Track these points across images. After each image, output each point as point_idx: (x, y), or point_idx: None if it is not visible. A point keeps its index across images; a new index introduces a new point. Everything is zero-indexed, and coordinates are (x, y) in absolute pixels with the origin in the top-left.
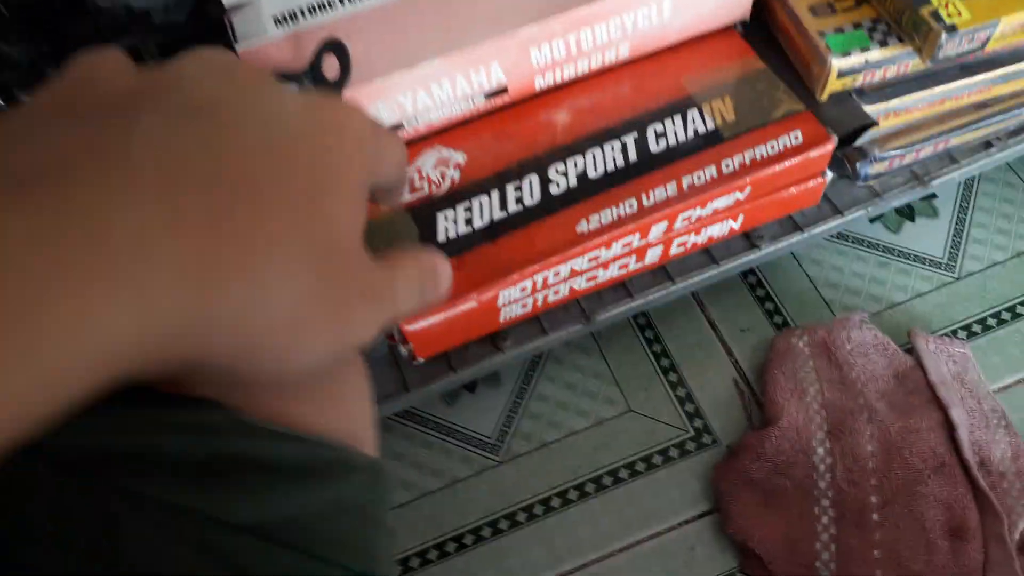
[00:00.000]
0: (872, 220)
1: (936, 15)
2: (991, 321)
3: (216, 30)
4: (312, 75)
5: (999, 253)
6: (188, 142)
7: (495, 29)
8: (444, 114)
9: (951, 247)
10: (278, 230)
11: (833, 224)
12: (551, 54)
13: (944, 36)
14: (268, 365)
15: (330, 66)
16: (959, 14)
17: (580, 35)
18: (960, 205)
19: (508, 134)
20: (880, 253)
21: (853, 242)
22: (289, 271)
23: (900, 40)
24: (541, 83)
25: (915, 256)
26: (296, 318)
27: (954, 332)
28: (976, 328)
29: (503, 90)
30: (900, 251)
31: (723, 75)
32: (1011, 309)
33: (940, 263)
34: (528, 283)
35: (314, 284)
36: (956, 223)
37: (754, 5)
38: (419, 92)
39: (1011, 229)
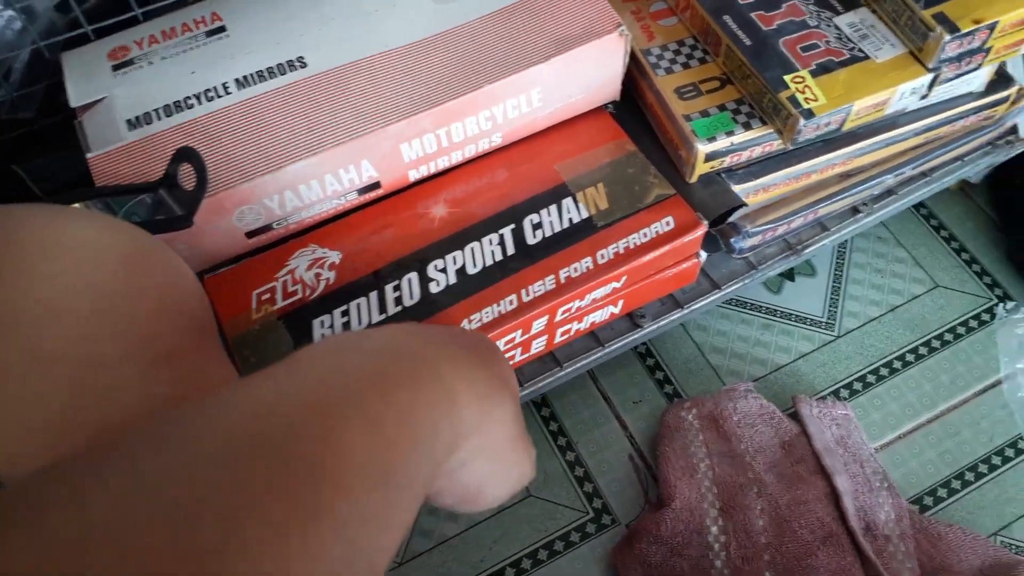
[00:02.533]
0: None
1: (794, 100)
2: (870, 378)
3: (66, 127)
4: (168, 185)
5: (874, 309)
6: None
7: (363, 127)
8: (315, 212)
9: (830, 305)
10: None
11: (712, 299)
12: (423, 148)
13: (802, 121)
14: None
15: (186, 175)
16: (815, 99)
17: (451, 129)
18: (836, 262)
19: (384, 228)
20: (763, 315)
21: (736, 305)
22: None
23: (763, 122)
24: (415, 175)
25: (796, 316)
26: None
27: (837, 392)
28: (857, 386)
29: (376, 185)
30: (782, 312)
31: (595, 159)
32: (888, 365)
33: (820, 322)
34: None
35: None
36: (833, 280)
37: (624, 80)
38: (287, 194)
39: (884, 284)
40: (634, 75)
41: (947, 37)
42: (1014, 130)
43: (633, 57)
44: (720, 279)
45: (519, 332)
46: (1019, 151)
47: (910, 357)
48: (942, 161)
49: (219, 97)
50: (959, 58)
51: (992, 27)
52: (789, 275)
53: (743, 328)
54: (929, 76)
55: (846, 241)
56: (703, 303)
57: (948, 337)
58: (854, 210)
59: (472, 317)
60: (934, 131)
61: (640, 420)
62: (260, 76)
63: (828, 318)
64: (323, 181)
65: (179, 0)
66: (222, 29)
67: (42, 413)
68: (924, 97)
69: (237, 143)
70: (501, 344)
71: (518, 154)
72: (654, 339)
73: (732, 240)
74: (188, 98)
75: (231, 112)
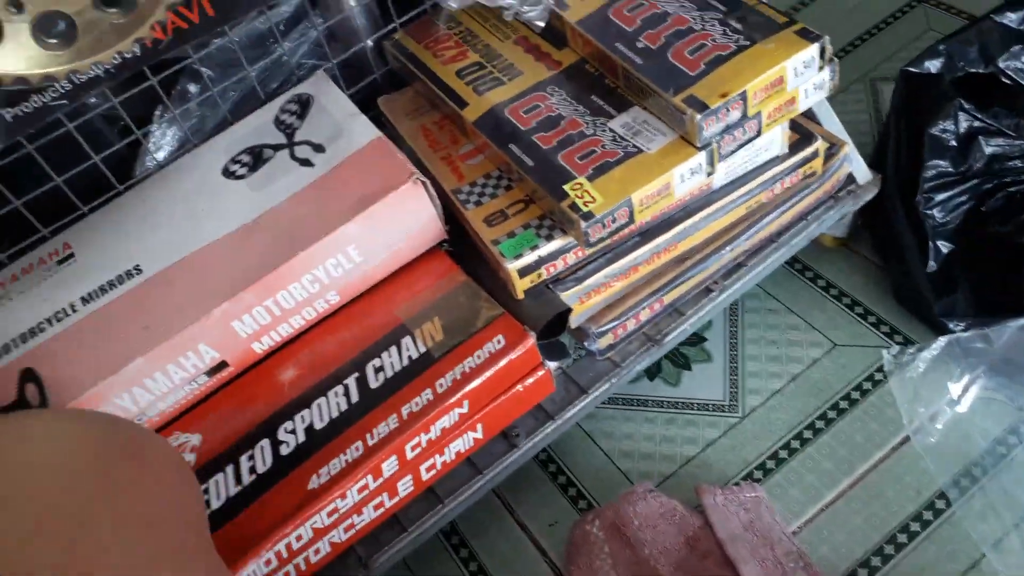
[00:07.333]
0: (652, 378)
1: (574, 206)
2: (783, 454)
3: None
4: (20, 408)
5: (775, 381)
6: None
7: (190, 315)
8: (172, 401)
9: (730, 387)
10: None
11: (582, 404)
12: (255, 321)
13: (584, 224)
14: None
15: (32, 393)
16: (593, 200)
17: (278, 298)
18: (730, 343)
19: (239, 402)
20: (666, 409)
21: (638, 405)
22: None
23: (563, 231)
24: (260, 348)
25: (699, 404)
26: None
27: (750, 474)
28: (770, 464)
29: (223, 364)
30: (684, 403)
31: (431, 296)
32: (798, 436)
33: (723, 406)
34: (271, 555)
35: None
36: (730, 361)
37: (455, 218)
38: (135, 390)
39: (781, 354)
40: (455, 214)
41: (699, 116)
42: (852, 179)
43: (448, 198)
44: (587, 383)
45: (369, 478)
46: (867, 197)
47: (820, 424)
48: (782, 224)
49: (67, 316)
50: (727, 131)
51: (743, 96)
52: (686, 365)
53: (648, 427)
54: (702, 154)
55: (736, 320)
56: (574, 410)
57: (855, 396)
58: (707, 290)
59: (320, 472)
60: (752, 199)
61: (559, 543)
62: (101, 290)
63: (731, 400)
64: (167, 372)
65: (39, 238)
66: (71, 256)
67: None
68: (711, 173)
69: (83, 354)
70: (354, 494)
71: (360, 307)
72: (562, 455)
73: (585, 343)
74: (41, 323)
75: (78, 327)
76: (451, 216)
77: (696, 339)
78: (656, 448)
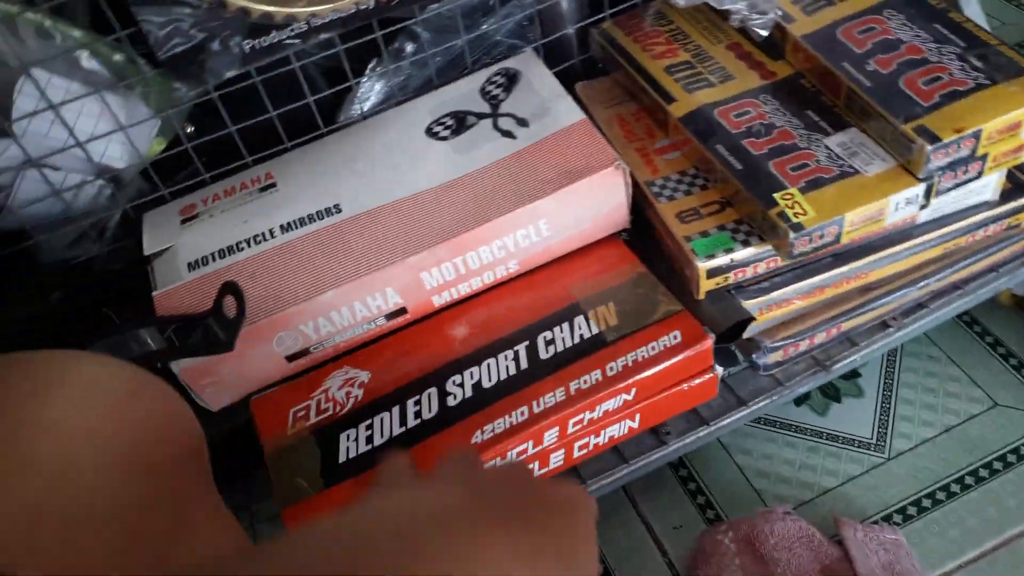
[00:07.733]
0: (799, 404)
1: (783, 215)
2: (926, 503)
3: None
4: (215, 316)
5: (928, 430)
6: None
7: (386, 260)
8: (349, 336)
9: (879, 426)
10: None
11: (739, 416)
12: (442, 276)
13: (792, 235)
14: None
15: (229, 306)
16: (804, 213)
17: (467, 257)
18: (884, 383)
19: (410, 349)
20: (809, 437)
21: (781, 428)
22: None
23: (761, 239)
24: (438, 301)
25: (844, 438)
26: None
27: (889, 517)
28: (911, 511)
29: (403, 311)
30: (828, 434)
31: (607, 281)
32: (945, 488)
33: (869, 444)
34: None
35: None
36: (882, 401)
37: (639, 209)
38: (320, 320)
39: (937, 404)
40: (643, 206)
41: (929, 147)
42: None
43: (640, 189)
44: (747, 396)
45: (530, 443)
46: None
47: (970, 480)
48: (973, 272)
49: (265, 240)
50: (951, 167)
51: (977, 135)
52: (835, 396)
53: (788, 451)
54: (921, 186)
55: (894, 361)
56: (730, 420)
57: (1011, 459)
58: (884, 324)
59: (485, 428)
60: (952, 241)
61: (681, 547)
62: (301, 222)
63: (878, 440)
64: (352, 308)
65: (241, 165)
66: (273, 186)
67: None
68: (924, 207)
69: (277, 278)
70: (513, 456)
71: (536, 279)
72: (696, 463)
73: (754, 356)
74: (239, 242)
75: (274, 252)
76: (633, 207)
77: (850, 372)
78: (795, 473)
